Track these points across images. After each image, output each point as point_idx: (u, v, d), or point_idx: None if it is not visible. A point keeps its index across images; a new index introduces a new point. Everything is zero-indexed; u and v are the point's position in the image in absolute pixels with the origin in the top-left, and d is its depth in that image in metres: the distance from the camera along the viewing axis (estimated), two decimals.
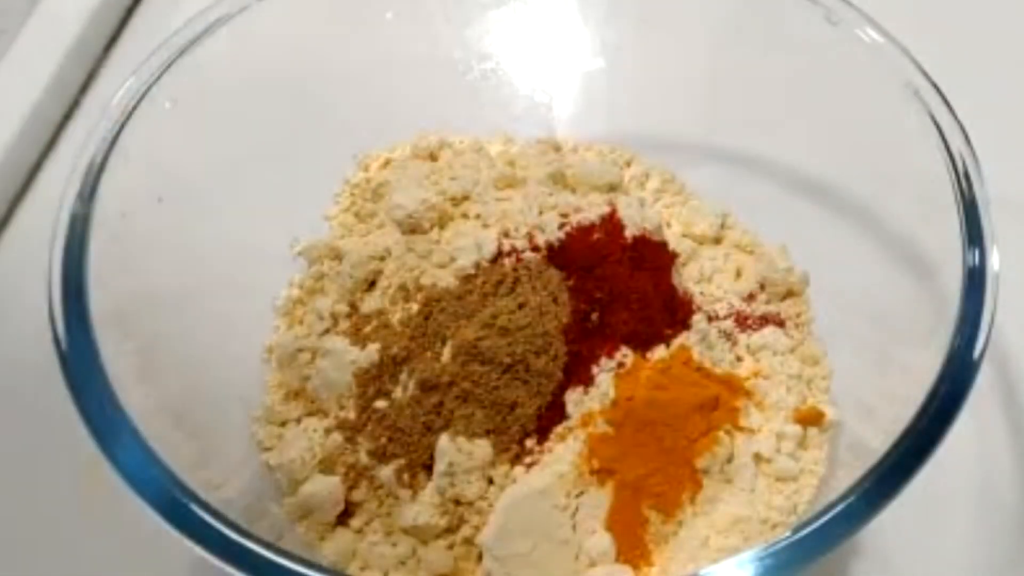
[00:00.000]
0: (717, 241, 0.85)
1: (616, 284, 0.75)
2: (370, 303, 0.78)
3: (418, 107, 0.88)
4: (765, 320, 0.80)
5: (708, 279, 0.82)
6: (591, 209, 0.79)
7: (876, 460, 0.59)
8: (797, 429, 0.74)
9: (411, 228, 0.79)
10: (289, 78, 0.82)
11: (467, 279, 0.76)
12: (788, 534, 0.57)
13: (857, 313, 0.78)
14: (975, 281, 0.64)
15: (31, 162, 0.98)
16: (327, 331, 0.78)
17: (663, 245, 0.79)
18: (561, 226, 0.77)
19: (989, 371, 0.82)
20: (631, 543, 0.69)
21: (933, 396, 0.61)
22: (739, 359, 0.78)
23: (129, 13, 1.09)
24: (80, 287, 0.64)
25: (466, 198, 0.81)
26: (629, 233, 0.78)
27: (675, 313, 0.77)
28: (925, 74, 0.73)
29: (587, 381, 0.73)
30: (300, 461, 0.72)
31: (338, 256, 0.81)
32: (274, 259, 0.82)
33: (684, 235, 0.84)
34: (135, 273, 0.70)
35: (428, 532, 0.70)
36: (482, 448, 0.71)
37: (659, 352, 0.75)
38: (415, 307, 0.76)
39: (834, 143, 0.80)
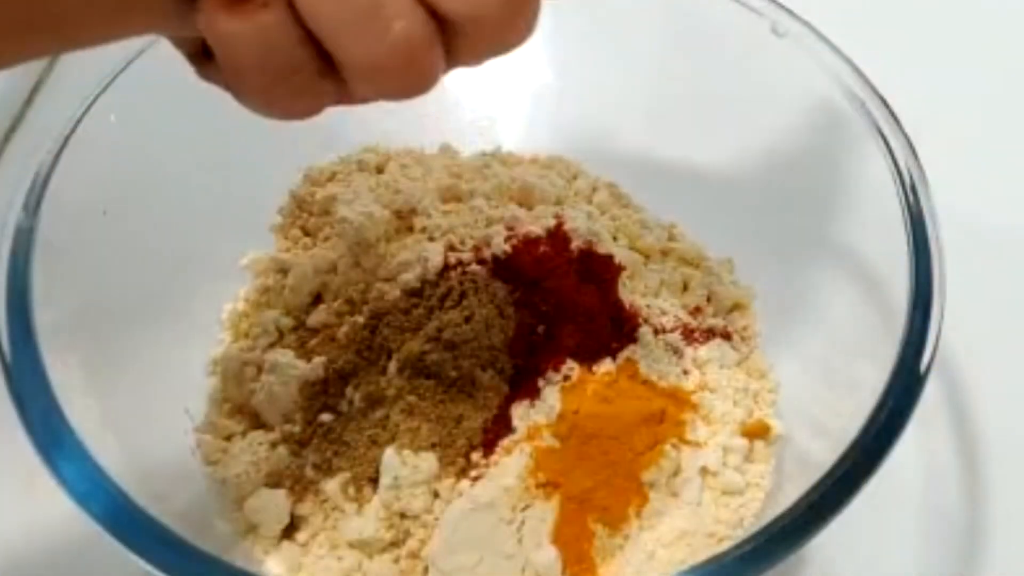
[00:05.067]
0: (664, 254, 0.85)
1: (562, 297, 0.75)
2: (316, 317, 0.78)
3: (363, 120, 0.87)
4: (711, 333, 0.80)
5: (654, 292, 0.82)
6: (537, 222, 0.79)
7: (822, 474, 0.59)
8: (743, 442, 0.74)
9: (357, 242, 0.79)
10: None
11: (413, 293, 0.76)
12: (734, 548, 0.57)
13: (804, 326, 0.78)
14: (921, 295, 0.65)
15: None
16: (272, 345, 0.78)
17: (609, 258, 0.79)
18: (507, 239, 0.77)
19: (936, 385, 0.82)
20: (577, 557, 0.69)
21: (879, 410, 0.61)
22: (685, 372, 0.78)
23: None
24: (25, 299, 0.64)
25: (412, 211, 0.81)
26: (575, 246, 0.78)
27: (621, 326, 0.77)
28: (872, 87, 0.73)
29: (533, 395, 0.73)
30: (245, 475, 0.72)
31: (283, 270, 0.81)
32: (220, 272, 0.82)
33: (630, 248, 0.83)
34: (80, 285, 0.70)
35: (374, 546, 0.70)
36: (428, 462, 0.70)
37: (605, 365, 0.75)
38: (361, 321, 0.76)
39: (780, 156, 0.80)
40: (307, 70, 0.49)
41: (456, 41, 0.50)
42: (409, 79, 0.51)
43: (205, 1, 0.47)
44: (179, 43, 0.53)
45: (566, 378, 0.74)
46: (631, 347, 0.76)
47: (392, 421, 0.72)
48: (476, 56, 0.52)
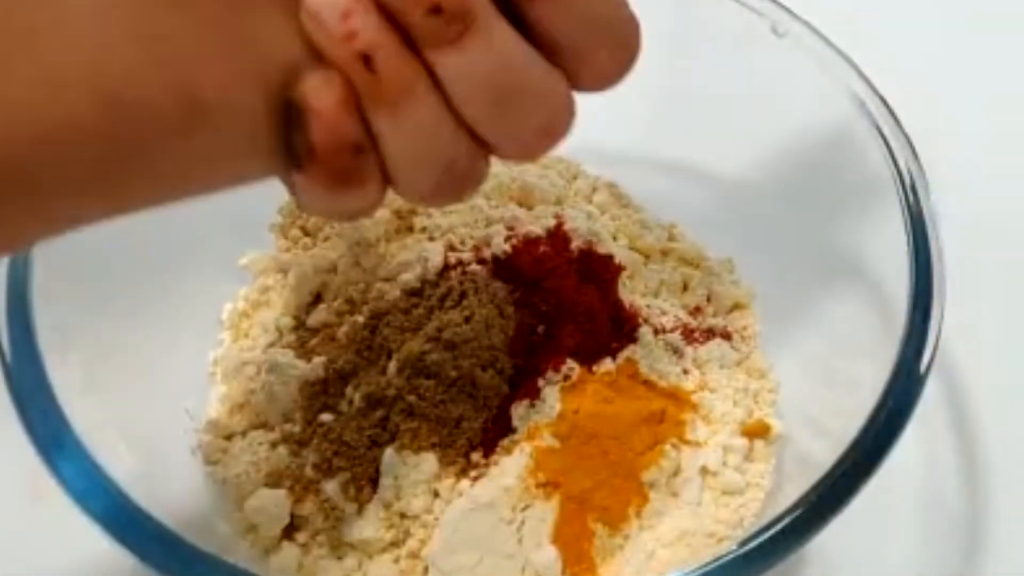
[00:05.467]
0: (664, 254, 0.85)
1: (562, 297, 0.75)
2: (316, 317, 0.78)
3: None
4: (711, 333, 0.80)
5: (654, 292, 0.82)
6: (537, 222, 0.79)
7: (822, 474, 0.59)
8: (743, 442, 0.74)
9: (357, 241, 0.79)
10: None
11: (413, 293, 0.76)
12: (735, 548, 0.58)
13: (804, 326, 0.78)
14: (921, 295, 0.65)
15: None
16: (272, 344, 0.78)
17: (609, 258, 0.79)
18: (507, 239, 0.77)
19: (936, 385, 0.82)
20: (577, 557, 0.69)
21: (880, 410, 0.61)
22: (685, 372, 0.77)
23: None
24: (25, 299, 0.64)
25: (412, 211, 0.81)
26: (575, 246, 0.78)
27: (621, 326, 0.77)
28: (872, 86, 0.73)
29: (533, 395, 0.73)
30: (245, 475, 0.72)
31: (283, 269, 0.81)
32: (220, 272, 0.82)
33: (630, 248, 0.83)
34: (80, 285, 0.70)
35: (374, 546, 0.70)
36: (428, 462, 0.70)
37: (605, 365, 0.75)
38: (361, 321, 0.76)
39: (780, 155, 0.80)
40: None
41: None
42: (458, 199, 0.55)
43: (311, 176, 0.48)
44: None
45: (566, 378, 0.73)
46: (631, 347, 0.76)
47: (392, 421, 0.72)
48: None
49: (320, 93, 0.46)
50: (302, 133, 0.46)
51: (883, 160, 0.71)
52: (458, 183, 0.52)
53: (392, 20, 0.46)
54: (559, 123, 0.51)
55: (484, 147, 0.51)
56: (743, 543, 0.58)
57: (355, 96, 0.46)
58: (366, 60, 0.45)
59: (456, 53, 0.47)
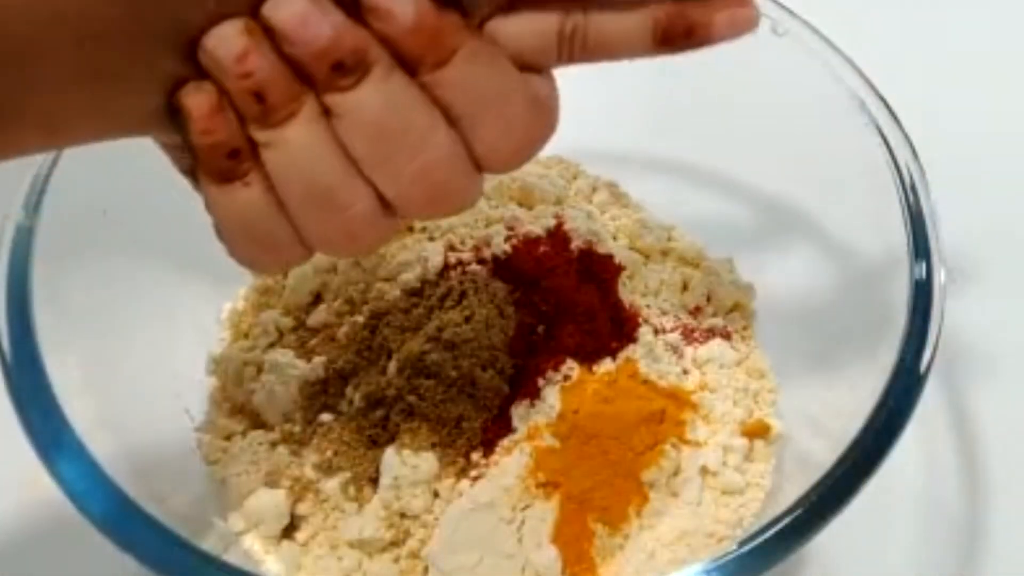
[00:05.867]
0: (664, 254, 0.85)
1: (562, 297, 0.75)
2: (316, 317, 0.78)
3: None
4: (711, 333, 0.80)
5: (654, 292, 0.82)
6: (537, 222, 0.79)
7: (822, 474, 0.59)
8: (743, 442, 0.74)
9: None
10: None
11: (413, 292, 0.76)
12: (734, 547, 0.57)
13: (803, 326, 0.78)
14: (922, 294, 0.65)
15: None
16: (273, 344, 0.78)
17: (609, 258, 0.79)
18: (507, 239, 0.77)
19: (936, 385, 0.82)
20: (577, 556, 0.69)
21: (879, 409, 0.61)
22: (685, 372, 0.77)
23: None
24: (24, 299, 0.64)
25: None
26: (575, 246, 0.78)
27: (621, 326, 0.77)
28: (872, 86, 0.73)
29: (533, 394, 0.73)
30: (245, 474, 0.72)
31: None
32: (220, 272, 0.82)
33: (631, 248, 0.83)
34: (80, 285, 0.70)
35: (373, 545, 0.70)
36: (428, 462, 0.70)
37: (605, 365, 0.75)
38: (361, 321, 0.76)
39: (780, 155, 0.80)
40: (282, 233, 0.53)
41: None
42: (357, 249, 0.55)
43: (201, 173, 0.52)
44: (176, 160, 0.55)
45: (566, 378, 0.73)
46: (631, 347, 0.76)
47: (392, 421, 0.72)
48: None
49: (194, 99, 0.48)
50: (184, 134, 0.49)
51: (883, 160, 0.71)
52: (348, 226, 0.52)
53: (285, 55, 0.48)
54: (441, 176, 0.52)
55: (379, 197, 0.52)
56: (743, 543, 0.58)
57: (232, 108, 0.49)
58: (257, 95, 0.48)
59: (349, 94, 0.49)
